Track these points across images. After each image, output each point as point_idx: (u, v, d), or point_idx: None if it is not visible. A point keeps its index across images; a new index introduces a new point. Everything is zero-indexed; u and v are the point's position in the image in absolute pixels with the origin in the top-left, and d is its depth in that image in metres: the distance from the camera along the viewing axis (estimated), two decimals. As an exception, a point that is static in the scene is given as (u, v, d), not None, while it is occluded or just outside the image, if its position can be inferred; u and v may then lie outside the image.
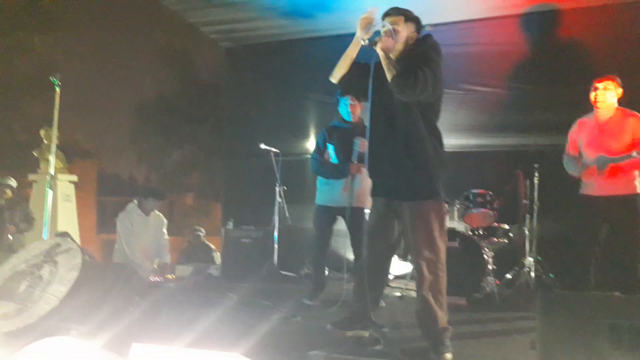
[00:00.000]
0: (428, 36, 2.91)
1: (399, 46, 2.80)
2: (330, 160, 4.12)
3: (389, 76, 2.69)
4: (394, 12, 2.82)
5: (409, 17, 2.83)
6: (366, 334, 3.07)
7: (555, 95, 5.13)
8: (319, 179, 4.21)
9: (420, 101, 2.73)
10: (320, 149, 4.17)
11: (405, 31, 2.82)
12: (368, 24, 2.74)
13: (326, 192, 4.13)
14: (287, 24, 5.89)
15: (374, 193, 2.99)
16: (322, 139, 4.17)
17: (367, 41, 2.72)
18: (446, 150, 5.77)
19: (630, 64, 4.79)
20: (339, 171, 4.00)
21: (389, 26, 2.74)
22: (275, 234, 5.31)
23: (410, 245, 2.87)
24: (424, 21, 5.72)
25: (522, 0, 5.13)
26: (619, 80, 3.74)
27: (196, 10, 5.78)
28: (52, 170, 3.80)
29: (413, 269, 4.62)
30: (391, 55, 2.74)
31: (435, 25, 5.67)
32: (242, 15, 5.74)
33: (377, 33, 2.70)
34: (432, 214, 2.80)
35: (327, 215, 4.15)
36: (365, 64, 2.85)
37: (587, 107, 3.85)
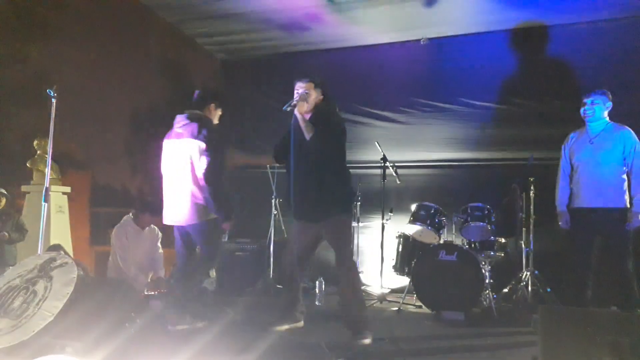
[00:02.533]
0: (330, 97, 3.51)
1: (311, 107, 3.39)
2: None
3: (307, 135, 3.30)
4: (305, 79, 3.45)
5: (317, 83, 3.44)
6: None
7: (550, 109, 5.18)
8: None
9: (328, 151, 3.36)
10: None
11: (314, 95, 3.40)
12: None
13: None
14: (283, 37, 5.92)
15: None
16: None
17: (288, 107, 3.34)
18: (443, 163, 5.82)
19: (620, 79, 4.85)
20: None
21: (304, 91, 3.38)
22: (271, 247, 5.27)
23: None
24: (420, 35, 5.82)
25: (514, 16, 5.18)
26: (608, 94, 3.79)
27: (192, 22, 5.79)
28: (47, 183, 3.75)
29: (409, 283, 4.63)
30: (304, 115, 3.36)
31: (430, 39, 5.76)
32: (238, 27, 5.77)
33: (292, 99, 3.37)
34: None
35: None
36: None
37: (582, 121, 3.89)
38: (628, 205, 3.73)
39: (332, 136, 3.35)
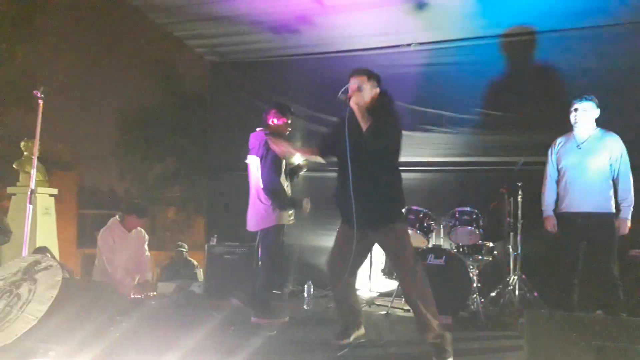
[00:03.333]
0: (385, 92, 3.33)
1: (367, 100, 3.20)
2: None
3: (363, 126, 3.08)
4: (357, 73, 3.28)
5: (371, 75, 3.28)
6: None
7: (539, 115, 5.23)
8: None
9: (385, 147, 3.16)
10: None
11: (369, 87, 3.23)
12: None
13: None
14: (272, 39, 5.90)
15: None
16: None
17: (343, 97, 3.21)
18: (431, 167, 5.82)
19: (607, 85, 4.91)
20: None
21: (358, 83, 3.21)
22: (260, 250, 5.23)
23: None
24: (410, 39, 5.83)
25: (503, 22, 5.22)
26: (596, 100, 3.83)
27: (182, 24, 5.75)
28: (32, 185, 3.71)
29: (398, 287, 4.63)
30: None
31: (421, 43, 5.78)
32: (228, 29, 5.73)
33: (346, 91, 3.22)
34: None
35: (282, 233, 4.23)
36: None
37: (569, 126, 3.93)
38: (614, 211, 3.77)
39: (391, 131, 3.14)
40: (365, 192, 3.15)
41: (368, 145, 3.09)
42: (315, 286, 4.92)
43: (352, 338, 3.41)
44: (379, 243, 3.37)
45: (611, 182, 3.79)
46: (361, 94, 3.17)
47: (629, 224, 3.75)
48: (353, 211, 3.13)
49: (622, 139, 3.80)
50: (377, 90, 3.26)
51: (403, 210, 3.45)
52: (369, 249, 3.55)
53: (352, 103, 3.13)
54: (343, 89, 3.21)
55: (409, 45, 5.81)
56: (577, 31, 5.20)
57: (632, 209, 3.75)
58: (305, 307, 4.71)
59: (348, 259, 3.24)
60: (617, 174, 3.77)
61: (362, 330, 3.51)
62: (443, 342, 3.10)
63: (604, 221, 3.73)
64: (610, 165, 3.76)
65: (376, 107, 3.18)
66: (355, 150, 3.10)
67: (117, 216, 4.92)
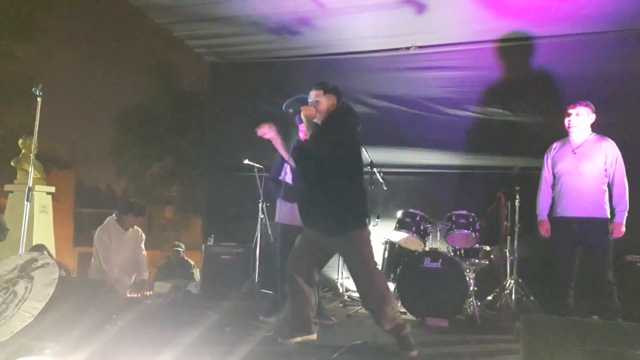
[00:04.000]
0: (344, 103, 3.45)
1: (322, 112, 3.34)
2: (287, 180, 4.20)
3: (308, 134, 3.30)
4: (315, 87, 3.41)
5: (327, 89, 3.38)
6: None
7: (537, 119, 5.25)
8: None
9: (336, 155, 3.26)
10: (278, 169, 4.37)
11: (325, 100, 3.35)
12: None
13: (290, 211, 4.11)
14: (272, 40, 5.91)
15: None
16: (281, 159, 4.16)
17: (289, 110, 3.36)
18: (429, 170, 5.82)
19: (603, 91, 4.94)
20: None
21: (312, 99, 3.37)
22: (257, 251, 5.24)
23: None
24: (410, 42, 5.84)
25: (502, 27, 5.24)
26: (592, 106, 3.85)
27: (182, 24, 5.75)
28: (30, 182, 3.70)
29: (394, 289, 4.63)
30: (316, 121, 3.34)
31: (420, 47, 5.80)
32: (228, 30, 5.73)
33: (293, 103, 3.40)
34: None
35: (292, 234, 4.09)
36: None
37: (565, 131, 3.95)
38: (609, 216, 3.78)
39: (333, 138, 3.22)
40: (319, 199, 3.31)
41: (310, 152, 3.29)
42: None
43: (298, 340, 3.41)
44: (336, 249, 3.49)
45: (606, 187, 3.80)
46: (315, 107, 3.33)
47: (623, 228, 3.76)
48: (309, 215, 3.37)
49: (617, 143, 3.82)
50: (334, 102, 3.37)
51: (364, 217, 3.43)
52: (329, 255, 3.58)
53: (302, 115, 3.31)
54: (288, 100, 3.42)
55: (408, 48, 5.83)
56: (577, 37, 5.23)
57: (626, 213, 3.77)
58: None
59: (307, 258, 3.44)
60: (612, 179, 3.78)
61: (313, 336, 3.48)
62: (407, 335, 3.27)
63: (598, 226, 3.74)
64: (605, 170, 3.78)
65: (330, 117, 3.33)
66: (306, 158, 3.33)
67: (114, 215, 4.92)
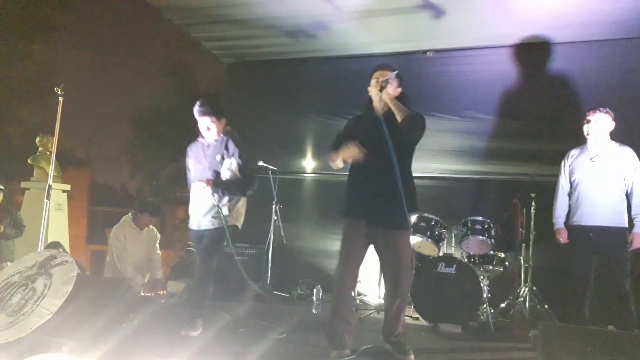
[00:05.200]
0: (404, 93, 3.29)
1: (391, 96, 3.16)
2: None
3: (400, 117, 3.01)
4: (386, 67, 3.24)
5: (397, 73, 3.23)
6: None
7: (555, 125, 5.20)
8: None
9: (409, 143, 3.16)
10: None
11: (395, 85, 3.21)
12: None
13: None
14: (289, 43, 5.93)
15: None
16: None
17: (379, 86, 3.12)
18: (445, 175, 5.78)
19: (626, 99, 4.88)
20: None
21: (388, 77, 3.15)
22: (270, 252, 5.25)
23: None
24: (427, 46, 5.81)
25: (520, 32, 5.21)
26: (611, 113, 3.79)
27: (199, 26, 5.80)
28: (50, 180, 3.74)
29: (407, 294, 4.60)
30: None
31: (437, 51, 5.78)
32: (245, 32, 5.77)
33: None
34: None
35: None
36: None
37: (584, 138, 3.90)
38: (627, 225, 3.73)
39: (423, 125, 3.09)
40: (389, 189, 3.01)
41: (404, 136, 3.02)
42: (324, 290, 4.92)
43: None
44: (384, 244, 3.17)
45: (624, 196, 3.75)
46: (392, 87, 3.15)
47: None
48: (370, 208, 3.08)
49: (637, 152, 3.77)
50: (399, 90, 3.24)
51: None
52: (365, 253, 3.31)
53: (385, 94, 3.07)
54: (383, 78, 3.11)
55: (425, 52, 5.81)
56: (596, 43, 5.19)
57: None
58: (314, 311, 4.70)
59: (360, 261, 3.19)
60: (631, 188, 3.73)
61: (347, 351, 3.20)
62: (404, 340, 3.22)
63: (616, 236, 3.69)
64: (624, 179, 3.73)
65: (403, 104, 3.13)
66: (384, 143, 2.93)
67: (129, 214, 4.95)
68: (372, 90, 3.16)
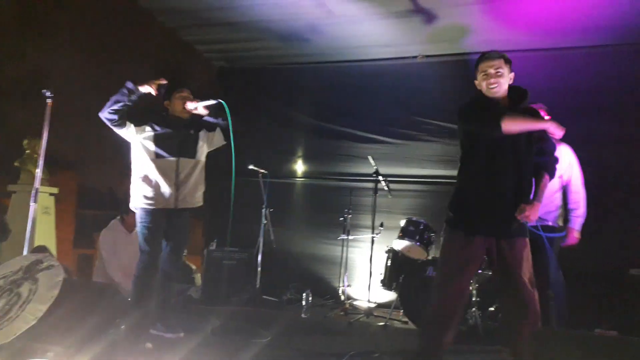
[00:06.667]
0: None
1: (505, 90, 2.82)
2: None
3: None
4: (495, 55, 2.82)
5: (507, 59, 2.84)
6: None
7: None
8: None
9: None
10: None
11: (507, 75, 2.82)
12: None
13: None
14: (281, 47, 5.93)
15: None
16: None
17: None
18: (435, 180, 5.77)
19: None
20: None
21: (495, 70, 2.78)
22: (259, 256, 5.23)
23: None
24: (417, 51, 5.83)
25: (512, 38, 5.25)
26: (545, 108, 3.87)
27: (192, 29, 5.77)
28: (37, 184, 3.70)
29: (396, 298, 4.61)
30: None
31: (428, 56, 5.81)
32: (237, 35, 5.76)
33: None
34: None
35: None
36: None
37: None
38: (560, 224, 3.80)
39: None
40: (520, 194, 2.71)
41: (523, 143, 2.71)
42: (314, 295, 4.91)
43: None
44: (498, 254, 2.74)
45: (559, 194, 3.79)
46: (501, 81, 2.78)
47: (577, 234, 3.76)
48: (502, 217, 2.68)
49: (615, 156, 3.79)
50: (512, 75, 2.86)
51: None
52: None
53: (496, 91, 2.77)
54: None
55: (415, 57, 5.84)
56: (582, 50, 5.25)
57: (582, 220, 3.78)
58: (303, 315, 4.69)
59: (468, 287, 2.91)
60: (567, 184, 3.80)
61: None
62: None
63: (545, 232, 3.69)
64: (560, 175, 3.75)
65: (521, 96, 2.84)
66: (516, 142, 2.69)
67: (118, 217, 4.91)
68: (483, 85, 2.81)
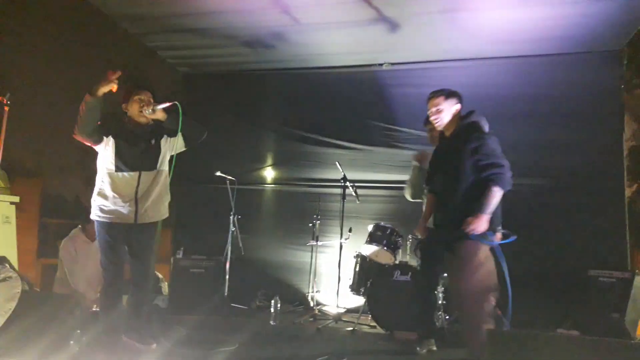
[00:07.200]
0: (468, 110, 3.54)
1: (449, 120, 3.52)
2: None
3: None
4: (434, 94, 3.59)
5: (447, 94, 3.53)
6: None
7: (512, 135, 5.37)
8: None
9: None
10: None
11: (447, 108, 3.52)
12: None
13: None
14: (246, 53, 5.92)
15: None
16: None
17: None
18: (400, 185, 5.84)
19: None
20: None
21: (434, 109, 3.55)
22: (227, 264, 5.20)
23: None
24: (383, 59, 5.90)
25: (475, 47, 5.38)
26: None
27: (155, 35, 5.71)
28: (-6, 192, 3.60)
29: (364, 303, 4.64)
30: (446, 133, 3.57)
31: (393, 64, 5.90)
32: (201, 42, 5.73)
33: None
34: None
35: None
36: None
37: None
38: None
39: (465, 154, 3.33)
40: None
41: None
42: (283, 301, 4.90)
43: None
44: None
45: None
46: (439, 118, 3.50)
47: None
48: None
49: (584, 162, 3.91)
50: (458, 107, 3.52)
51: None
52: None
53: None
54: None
55: (381, 65, 5.93)
56: (546, 57, 5.43)
57: None
58: (271, 322, 4.67)
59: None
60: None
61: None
62: None
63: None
64: None
65: (460, 128, 3.46)
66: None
67: (79, 226, 4.81)
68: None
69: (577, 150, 5.25)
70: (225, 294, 5.13)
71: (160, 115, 3.32)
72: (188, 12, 5.04)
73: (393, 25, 5.00)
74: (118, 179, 3.28)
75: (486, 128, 3.45)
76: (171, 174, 3.39)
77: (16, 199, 6.52)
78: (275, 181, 6.36)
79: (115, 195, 3.26)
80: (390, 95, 5.86)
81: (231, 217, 5.41)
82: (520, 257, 5.04)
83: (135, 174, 3.29)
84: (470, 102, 5.43)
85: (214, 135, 6.37)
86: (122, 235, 3.26)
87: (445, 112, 3.48)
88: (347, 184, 5.17)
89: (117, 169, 3.29)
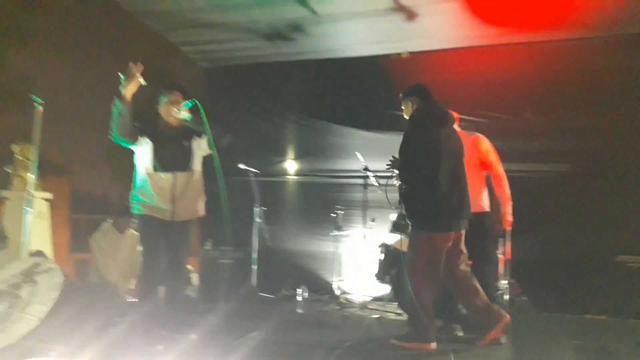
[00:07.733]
0: (425, 104, 3.88)
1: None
2: None
3: None
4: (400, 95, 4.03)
5: (405, 94, 3.98)
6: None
7: (527, 123, 5.35)
8: None
9: None
10: None
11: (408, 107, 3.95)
12: None
13: None
14: (265, 47, 5.97)
15: None
16: None
17: None
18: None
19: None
20: None
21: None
22: (254, 255, 5.30)
23: None
24: (401, 48, 5.89)
25: (493, 32, 5.33)
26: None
27: (176, 31, 5.81)
28: (31, 189, 3.75)
29: (391, 291, 4.69)
30: None
31: (411, 53, 5.89)
32: (222, 36, 5.80)
33: None
34: None
35: None
36: None
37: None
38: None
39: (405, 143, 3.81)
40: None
41: None
42: (309, 290, 4.99)
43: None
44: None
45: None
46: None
47: (510, 218, 4.05)
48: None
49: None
50: (414, 107, 3.92)
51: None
52: None
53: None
54: None
55: (399, 54, 5.92)
56: (568, 42, 5.35)
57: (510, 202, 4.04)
58: (298, 310, 4.77)
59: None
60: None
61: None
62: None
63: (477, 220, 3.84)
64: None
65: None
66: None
67: (109, 220, 4.96)
68: None
69: (602, 135, 5.18)
70: (253, 283, 5.23)
71: (185, 115, 3.39)
72: (207, 7, 5.12)
73: (410, 14, 5.00)
74: (156, 178, 3.38)
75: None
76: (218, 173, 3.44)
77: (49, 195, 6.73)
78: (298, 172, 6.42)
79: (154, 193, 3.37)
80: (410, 84, 5.83)
81: (256, 209, 5.50)
82: (548, 243, 5.04)
83: (170, 175, 3.39)
84: (490, 89, 5.42)
85: (237, 129, 6.52)
86: (160, 229, 3.37)
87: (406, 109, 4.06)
88: (369, 173, 5.20)
89: (155, 169, 3.39)
